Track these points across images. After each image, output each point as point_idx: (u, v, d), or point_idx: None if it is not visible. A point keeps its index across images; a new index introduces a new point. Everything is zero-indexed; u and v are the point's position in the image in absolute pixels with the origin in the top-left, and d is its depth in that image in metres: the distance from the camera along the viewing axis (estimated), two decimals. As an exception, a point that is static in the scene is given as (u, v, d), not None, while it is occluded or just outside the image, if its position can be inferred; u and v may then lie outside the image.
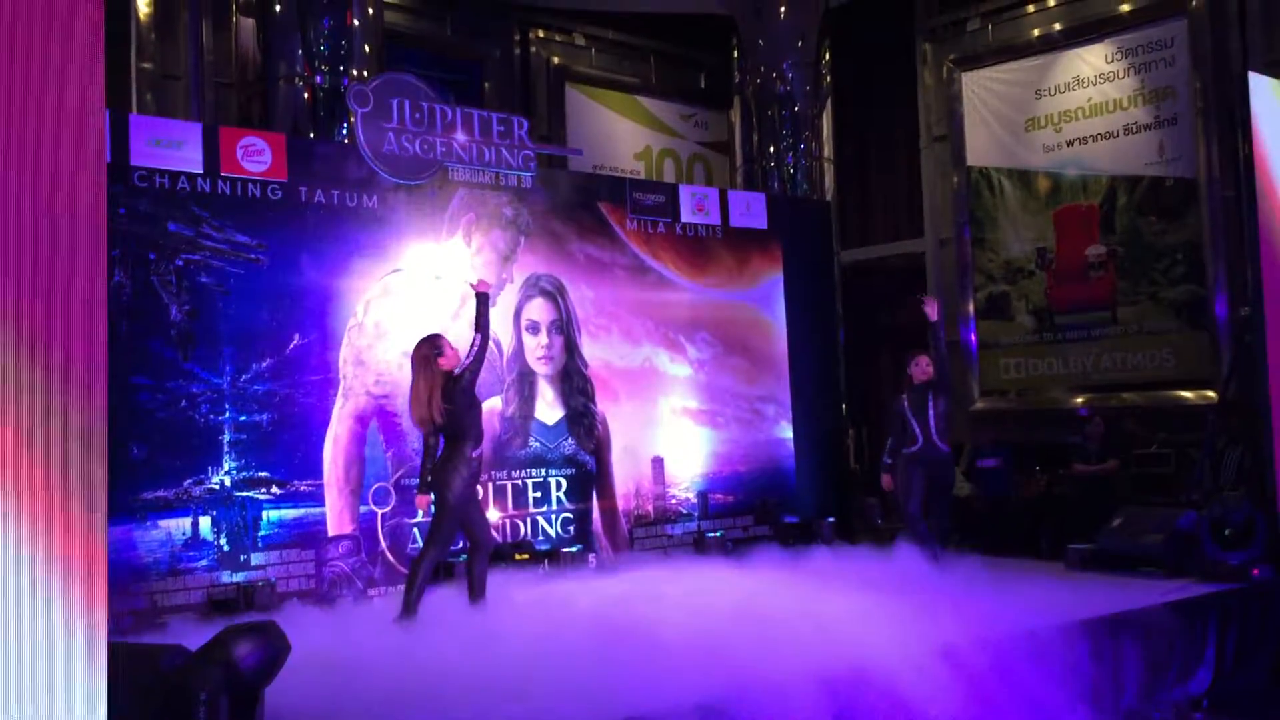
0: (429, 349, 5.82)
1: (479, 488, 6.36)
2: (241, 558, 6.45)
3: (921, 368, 7.24)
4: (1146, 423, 9.53)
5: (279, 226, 6.74)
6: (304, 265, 6.84)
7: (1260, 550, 6.68)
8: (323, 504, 6.77)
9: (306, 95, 7.89)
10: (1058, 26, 10.70)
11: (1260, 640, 6.39)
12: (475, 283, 6.12)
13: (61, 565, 2.82)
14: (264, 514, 6.55)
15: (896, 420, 7.35)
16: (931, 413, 7.17)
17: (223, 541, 6.40)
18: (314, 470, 6.76)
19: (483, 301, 5.99)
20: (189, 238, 6.39)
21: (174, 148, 6.38)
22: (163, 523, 6.21)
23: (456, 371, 5.80)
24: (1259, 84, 7.04)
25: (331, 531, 6.79)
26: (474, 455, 5.82)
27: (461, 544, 6.36)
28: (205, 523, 6.34)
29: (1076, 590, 6.39)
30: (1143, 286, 10.16)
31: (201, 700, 3.49)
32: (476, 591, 5.88)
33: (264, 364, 6.62)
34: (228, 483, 6.45)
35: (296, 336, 6.76)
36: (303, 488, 6.70)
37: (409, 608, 5.64)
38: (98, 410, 2.91)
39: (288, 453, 6.67)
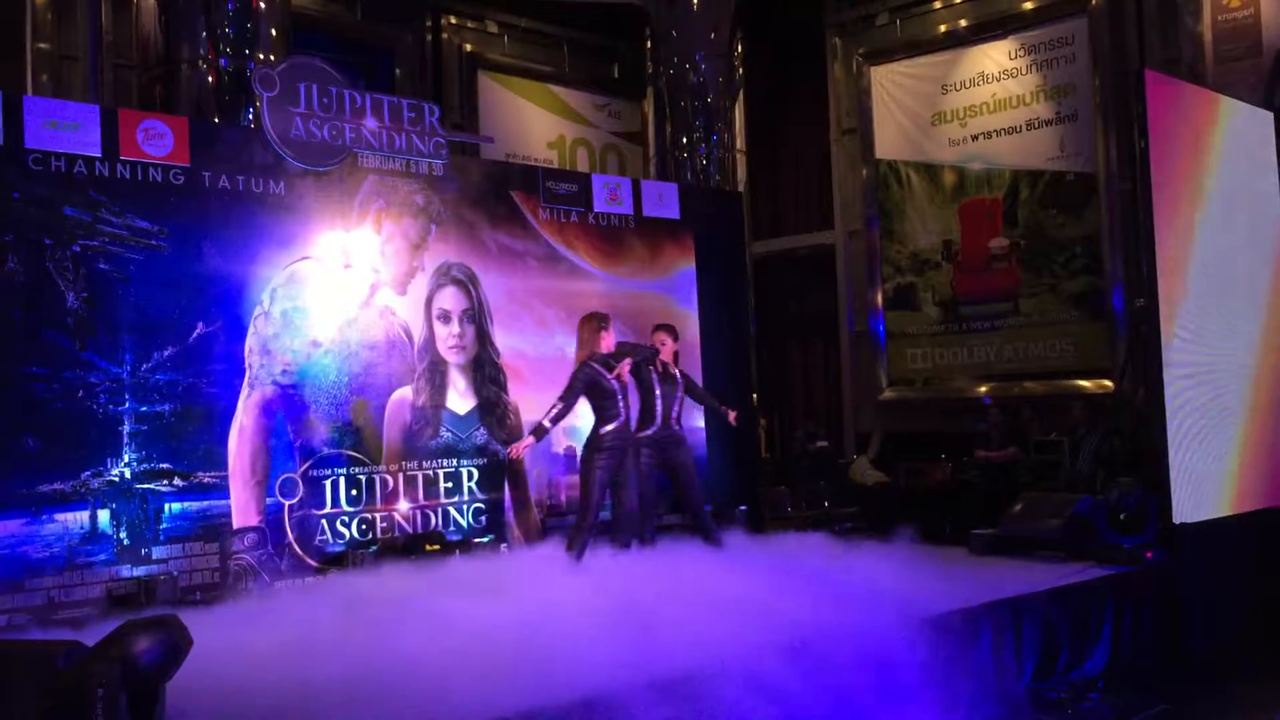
0: (598, 324, 6.74)
1: (625, 463, 6.72)
2: (143, 551, 6.29)
3: (666, 348, 7.01)
4: (1047, 411, 9.79)
5: (181, 212, 6.57)
6: (207, 252, 6.68)
7: (1153, 534, 6.90)
8: (227, 496, 6.63)
9: (211, 78, 7.71)
10: (963, 23, 10.92)
11: (1154, 621, 6.62)
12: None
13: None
14: (166, 506, 6.40)
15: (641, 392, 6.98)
16: (678, 398, 6.99)
17: (123, 535, 6.24)
18: (218, 461, 6.62)
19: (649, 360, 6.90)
20: (86, 223, 6.21)
21: (71, 130, 6.19)
22: (59, 516, 6.02)
23: (613, 356, 6.62)
24: (1155, 81, 7.26)
25: (236, 524, 6.65)
26: (602, 431, 6.54)
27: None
28: (104, 516, 6.18)
29: (978, 574, 6.54)
30: (1044, 278, 10.43)
31: (99, 697, 3.41)
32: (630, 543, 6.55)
33: (166, 353, 6.46)
34: (128, 475, 6.28)
35: (200, 325, 6.60)
36: (207, 479, 6.56)
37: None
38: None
39: (191, 444, 6.52)
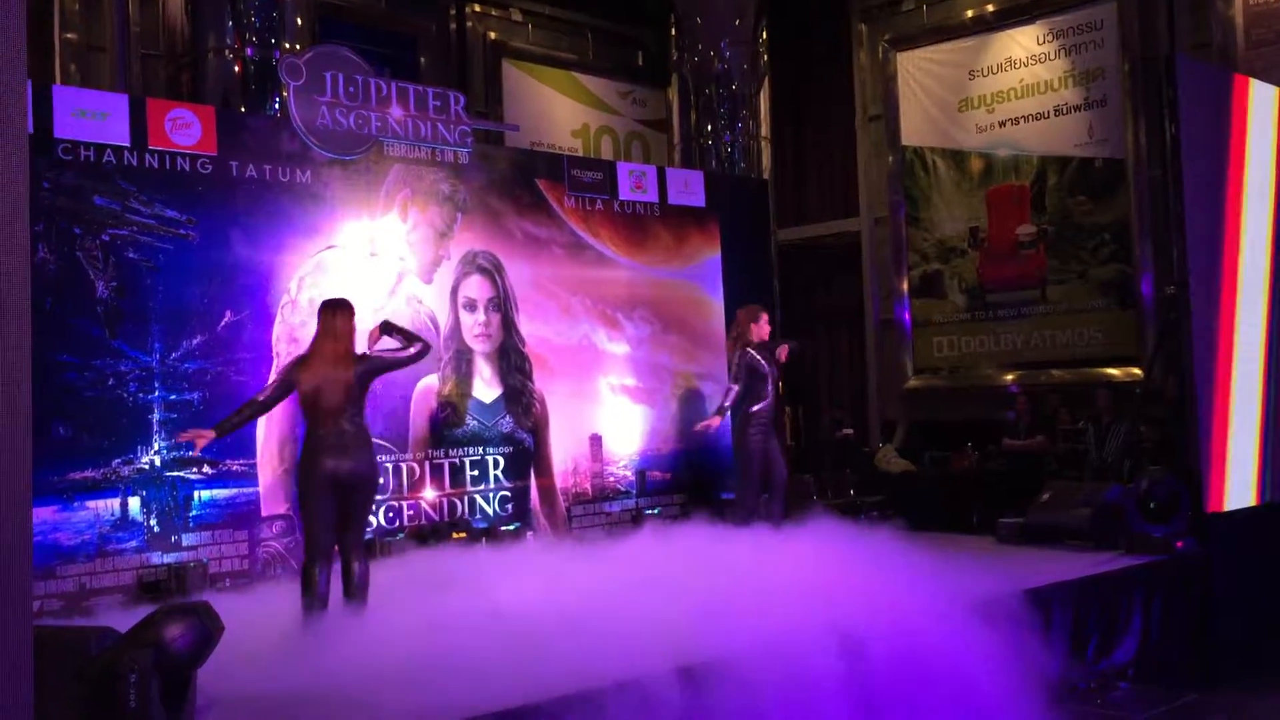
0: (748, 316, 7.52)
1: (770, 439, 7.45)
2: (172, 538, 6.34)
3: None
4: (1074, 400, 9.72)
5: (209, 201, 6.61)
6: (235, 241, 6.71)
7: (1183, 524, 6.85)
8: (256, 483, 6.67)
9: (237, 68, 7.73)
10: (990, 8, 10.83)
11: (1183, 611, 6.57)
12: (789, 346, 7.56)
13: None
14: (195, 494, 6.45)
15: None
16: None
17: (153, 522, 6.29)
18: (247, 449, 6.65)
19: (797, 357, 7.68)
20: (116, 212, 6.25)
21: (99, 119, 6.22)
22: (90, 503, 6.07)
23: (755, 346, 7.37)
24: (1186, 66, 7.17)
25: (265, 511, 6.69)
26: (753, 410, 7.28)
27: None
28: (134, 503, 6.23)
29: (1005, 563, 6.51)
30: (1072, 265, 10.34)
31: (131, 682, 3.43)
32: (776, 522, 7.02)
33: (194, 341, 6.50)
34: (158, 462, 6.33)
35: (228, 314, 6.64)
36: (235, 467, 6.60)
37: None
38: (22, 389, 2.84)
39: (220, 432, 6.56)
